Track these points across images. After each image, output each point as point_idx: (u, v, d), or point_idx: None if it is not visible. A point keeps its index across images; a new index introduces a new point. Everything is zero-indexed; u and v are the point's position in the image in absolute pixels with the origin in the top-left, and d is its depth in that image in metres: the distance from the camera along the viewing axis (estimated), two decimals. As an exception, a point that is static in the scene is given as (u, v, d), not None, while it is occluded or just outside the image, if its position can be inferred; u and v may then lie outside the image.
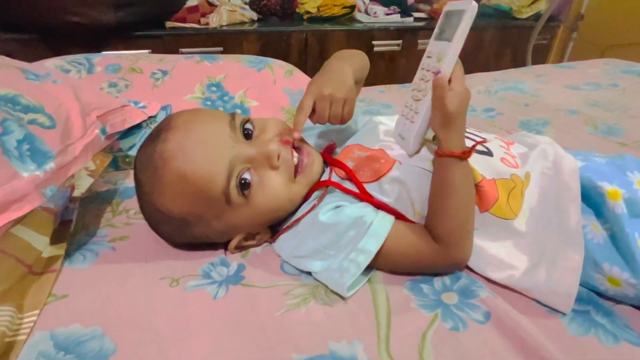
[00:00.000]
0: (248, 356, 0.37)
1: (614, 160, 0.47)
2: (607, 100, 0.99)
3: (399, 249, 0.44)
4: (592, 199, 0.43)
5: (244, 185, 0.44)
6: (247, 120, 0.48)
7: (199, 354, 0.37)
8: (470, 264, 0.46)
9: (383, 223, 0.44)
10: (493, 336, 0.39)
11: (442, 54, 0.42)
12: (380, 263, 0.44)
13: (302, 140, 0.50)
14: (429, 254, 0.44)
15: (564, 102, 0.99)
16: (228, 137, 0.44)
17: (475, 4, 0.40)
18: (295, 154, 0.48)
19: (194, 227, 0.45)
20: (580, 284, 0.41)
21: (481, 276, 0.46)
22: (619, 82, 1.13)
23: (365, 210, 0.45)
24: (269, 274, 0.46)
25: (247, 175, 0.44)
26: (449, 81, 0.42)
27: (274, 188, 0.45)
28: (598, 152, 0.53)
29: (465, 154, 0.42)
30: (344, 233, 0.44)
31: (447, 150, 0.42)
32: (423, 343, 0.38)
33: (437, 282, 0.45)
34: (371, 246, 0.42)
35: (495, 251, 0.45)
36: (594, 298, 0.43)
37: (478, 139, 0.50)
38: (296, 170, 0.48)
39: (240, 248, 0.49)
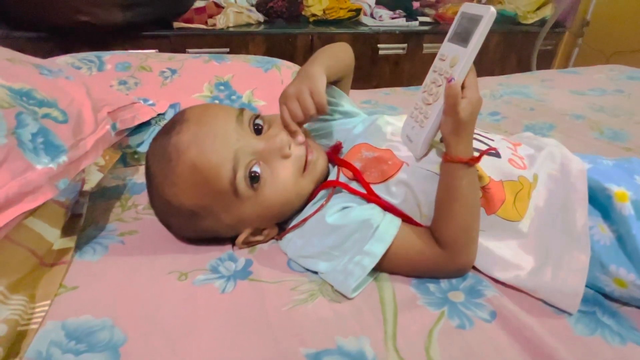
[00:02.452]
0: (255, 349, 0.37)
1: (622, 163, 0.48)
2: (612, 106, 0.99)
3: (404, 253, 0.44)
4: (599, 201, 0.43)
5: (253, 179, 0.44)
6: (257, 117, 0.48)
7: (207, 346, 0.37)
8: (477, 264, 0.46)
9: (390, 227, 0.44)
10: (499, 335, 0.39)
11: (456, 59, 0.42)
12: (385, 266, 0.45)
13: (308, 136, 0.50)
14: (434, 259, 0.44)
15: (569, 107, 0.99)
16: (233, 130, 0.45)
17: (493, 11, 0.39)
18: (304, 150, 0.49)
19: (203, 220, 0.46)
20: (587, 286, 0.41)
21: (487, 276, 0.46)
22: (625, 88, 1.13)
23: (372, 212, 0.45)
24: (276, 269, 0.46)
25: (256, 169, 0.45)
26: (462, 87, 0.42)
27: (284, 179, 0.46)
28: (604, 156, 0.53)
29: (473, 161, 0.42)
30: (350, 235, 0.44)
31: (455, 157, 0.42)
32: (429, 339, 0.38)
33: (444, 281, 0.45)
34: (377, 249, 0.43)
35: (501, 252, 0.45)
36: (600, 300, 0.43)
37: (486, 141, 0.51)
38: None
39: (247, 243, 0.49)
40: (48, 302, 0.40)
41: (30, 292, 0.40)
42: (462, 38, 0.42)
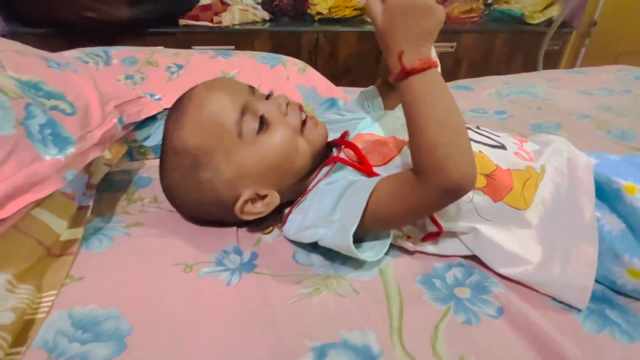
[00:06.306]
0: (260, 342, 0.37)
1: (629, 158, 0.48)
2: (620, 106, 0.98)
3: (389, 192, 0.43)
4: (606, 195, 0.43)
5: (261, 123, 0.47)
6: (269, 95, 0.52)
7: (212, 338, 0.37)
8: (485, 260, 0.46)
9: (374, 177, 0.45)
10: (506, 331, 0.39)
11: None
12: (379, 218, 0.43)
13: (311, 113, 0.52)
14: (413, 190, 0.41)
15: (576, 107, 0.98)
16: (246, 90, 0.50)
17: None
18: (303, 114, 0.51)
19: (203, 171, 0.46)
20: (597, 280, 0.41)
21: (494, 272, 0.45)
22: (633, 88, 1.12)
23: (361, 174, 0.47)
24: (281, 263, 0.46)
25: (263, 113, 0.47)
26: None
27: (283, 131, 0.48)
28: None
29: (406, 71, 0.39)
30: (342, 194, 0.44)
31: (394, 74, 0.41)
32: (435, 335, 0.38)
33: (449, 277, 0.45)
34: (364, 193, 0.42)
35: (509, 247, 0.44)
36: (609, 296, 0.43)
37: (492, 137, 0.51)
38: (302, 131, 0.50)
39: (248, 214, 0.48)
40: (55, 292, 0.40)
41: (37, 281, 0.40)
42: None
